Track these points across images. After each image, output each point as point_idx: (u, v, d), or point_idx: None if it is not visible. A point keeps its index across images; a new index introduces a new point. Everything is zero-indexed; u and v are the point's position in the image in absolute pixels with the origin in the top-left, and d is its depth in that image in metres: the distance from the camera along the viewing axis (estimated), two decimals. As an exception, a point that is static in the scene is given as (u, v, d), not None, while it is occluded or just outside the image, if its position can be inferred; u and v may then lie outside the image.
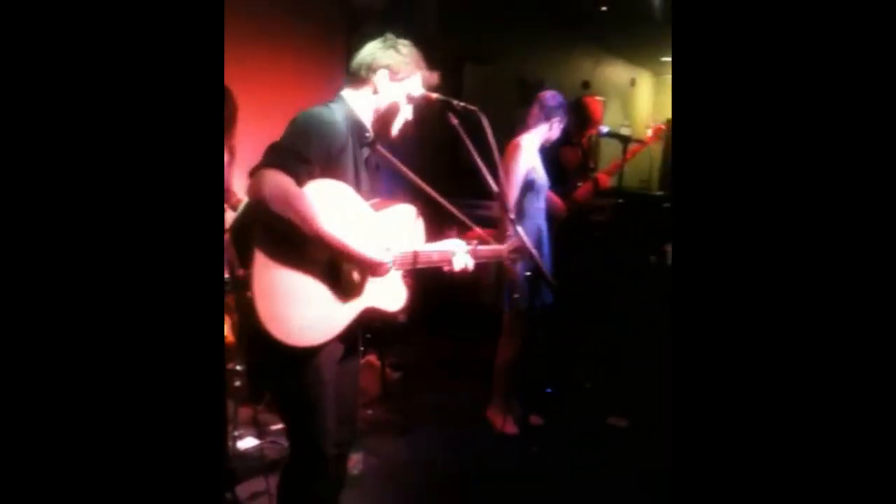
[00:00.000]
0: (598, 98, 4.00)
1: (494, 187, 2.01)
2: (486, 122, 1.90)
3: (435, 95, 1.84)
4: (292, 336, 1.55)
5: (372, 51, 1.80)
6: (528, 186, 3.06)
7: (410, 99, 1.81)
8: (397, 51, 1.79)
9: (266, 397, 3.06)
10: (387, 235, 1.77)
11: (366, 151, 1.79)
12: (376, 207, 1.78)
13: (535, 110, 3.14)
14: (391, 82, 1.77)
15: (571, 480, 2.81)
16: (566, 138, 3.47)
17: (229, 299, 3.00)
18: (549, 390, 3.60)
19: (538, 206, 3.12)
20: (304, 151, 1.55)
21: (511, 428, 3.18)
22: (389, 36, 1.82)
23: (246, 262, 1.54)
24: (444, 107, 1.85)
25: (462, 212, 3.60)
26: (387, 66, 1.76)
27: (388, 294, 1.79)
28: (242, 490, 2.50)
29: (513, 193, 3.01)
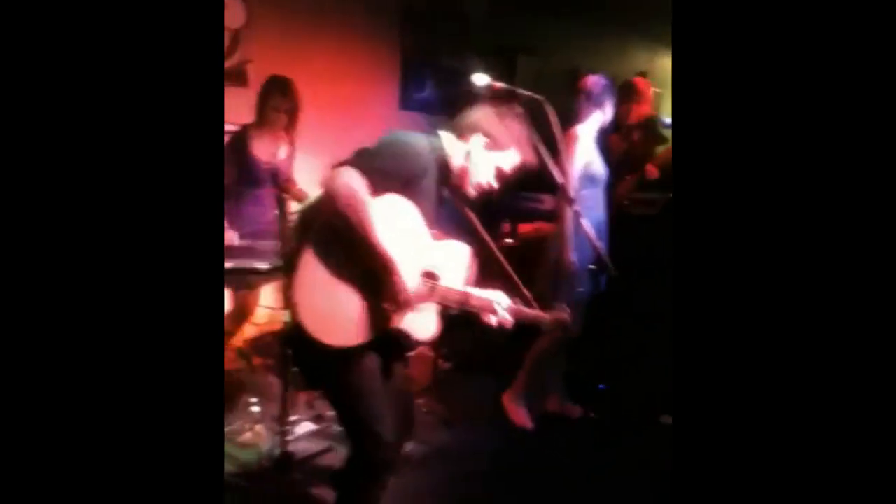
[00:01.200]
0: (649, 81, 3.89)
1: (560, 178, 2.00)
2: (551, 112, 1.90)
3: (499, 84, 1.84)
4: (323, 332, 1.58)
5: (480, 110, 1.82)
6: (586, 179, 2.98)
7: (500, 172, 1.82)
8: (501, 120, 1.80)
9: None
10: (437, 265, 1.79)
11: (445, 190, 1.83)
12: (435, 237, 1.81)
13: (582, 99, 3.03)
14: (484, 149, 1.79)
15: (615, 476, 2.78)
16: (615, 125, 3.36)
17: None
18: (601, 386, 3.57)
19: (596, 199, 3.06)
20: (386, 164, 1.62)
21: (527, 421, 3.16)
22: (508, 99, 1.83)
23: (298, 249, 1.59)
24: (508, 96, 1.85)
25: (518, 204, 3.55)
26: (485, 134, 1.78)
27: (420, 322, 1.77)
28: (298, 475, 2.57)
29: (571, 187, 2.91)
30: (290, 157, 3.21)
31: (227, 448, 2.70)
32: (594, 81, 3.03)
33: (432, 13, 4.64)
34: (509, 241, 4.30)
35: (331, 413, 3.02)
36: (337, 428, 2.91)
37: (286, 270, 1.63)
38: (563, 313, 1.94)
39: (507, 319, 1.83)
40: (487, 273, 1.96)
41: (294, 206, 3.00)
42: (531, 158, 1.85)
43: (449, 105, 4.89)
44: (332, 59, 4.09)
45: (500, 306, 1.82)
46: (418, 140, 1.73)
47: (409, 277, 1.67)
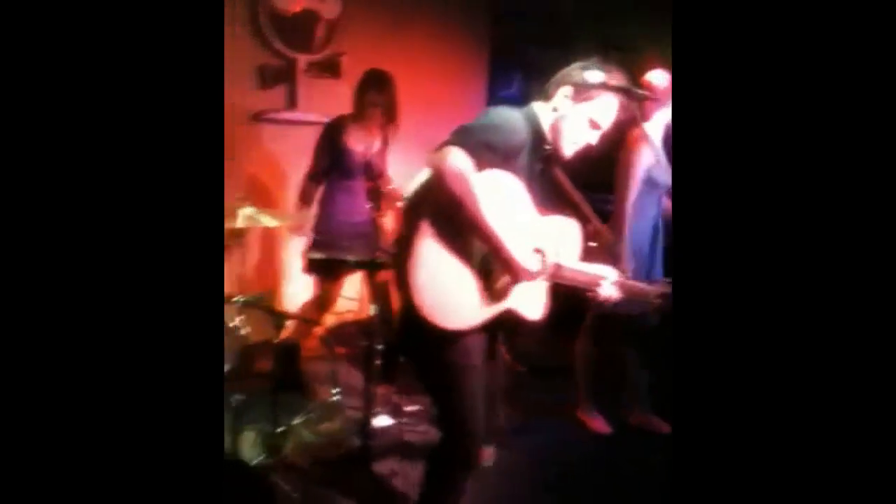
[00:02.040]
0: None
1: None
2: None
3: (614, 82, 1.76)
4: (439, 315, 1.58)
5: (569, 68, 1.77)
6: (648, 183, 2.73)
7: (594, 124, 1.74)
8: (589, 70, 1.73)
9: (399, 379, 3.15)
10: (544, 241, 1.79)
11: (539, 164, 1.79)
12: (541, 212, 1.79)
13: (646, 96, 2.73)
14: (572, 102, 1.73)
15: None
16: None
17: (381, 275, 3.12)
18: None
19: (657, 205, 2.81)
20: (488, 139, 1.59)
21: (604, 427, 3.07)
22: (602, 58, 1.77)
23: (410, 234, 1.58)
24: (623, 94, 1.77)
25: (587, 202, 3.40)
26: (571, 85, 1.73)
27: (531, 301, 1.79)
28: (377, 469, 2.57)
29: (632, 190, 2.70)
30: (384, 151, 3.21)
31: (306, 436, 2.74)
32: (657, 76, 2.76)
33: (523, 9, 4.55)
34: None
35: (409, 409, 3.05)
36: (414, 423, 2.91)
37: (399, 257, 1.62)
38: (666, 287, 1.89)
39: (615, 294, 1.83)
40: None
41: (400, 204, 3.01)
42: (626, 104, 1.76)
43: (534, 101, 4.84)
44: (421, 53, 4.07)
45: (608, 281, 1.82)
46: (514, 114, 1.70)
47: (520, 256, 1.66)
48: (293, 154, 3.71)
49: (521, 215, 1.71)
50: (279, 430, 2.47)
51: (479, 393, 1.73)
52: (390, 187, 3.14)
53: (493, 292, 1.68)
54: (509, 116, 1.68)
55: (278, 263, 3.79)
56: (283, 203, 3.77)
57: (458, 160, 1.51)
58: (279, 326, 2.27)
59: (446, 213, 1.57)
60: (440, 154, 1.54)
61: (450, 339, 1.65)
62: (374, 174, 3.21)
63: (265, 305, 2.11)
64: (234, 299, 2.05)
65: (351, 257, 2.62)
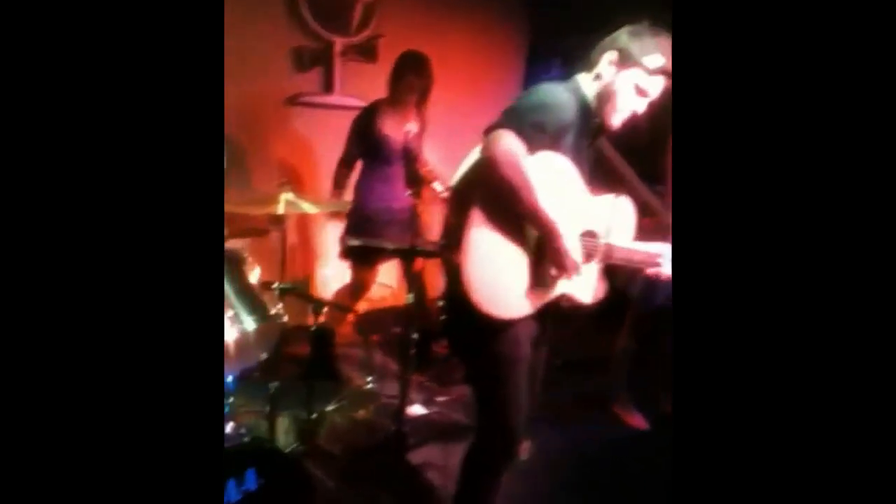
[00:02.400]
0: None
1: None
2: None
3: (662, 53, 1.64)
4: (491, 304, 1.54)
5: (615, 33, 1.67)
6: None
7: (640, 91, 1.64)
8: (633, 36, 1.63)
9: (433, 368, 3.11)
10: (597, 221, 1.73)
11: (587, 139, 1.72)
12: (592, 192, 1.72)
13: None
14: (615, 68, 1.64)
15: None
16: None
17: (417, 262, 3.07)
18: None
19: None
20: (538, 119, 1.52)
21: (642, 422, 3.00)
22: (645, 23, 1.67)
23: (461, 221, 1.53)
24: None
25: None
26: (616, 50, 1.63)
27: (585, 285, 1.75)
28: (411, 459, 2.53)
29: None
30: (420, 135, 3.15)
31: (339, 422, 2.71)
32: None
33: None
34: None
35: (442, 398, 3.00)
36: (449, 411, 2.87)
37: (448, 245, 1.57)
38: None
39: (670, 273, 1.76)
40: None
41: (437, 186, 2.96)
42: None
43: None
44: (460, 37, 3.99)
45: (665, 259, 1.75)
46: (561, 90, 1.61)
47: (573, 239, 1.61)
48: (327, 139, 3.65)
49: (573, 198, 1.66)
50: (312, 416, 2.44)
51: (523, 384, 1.69)
52: (427, 170, 3.08)
53: (545, 279, 1.62)
54: (557, 93, 1.59)
55: (313, 249, 3.77)
56: (314, 188, 3.74)
57: (511, 144, 1.45)
58: (317, 313, 2.23)
59: (499, 200, 1.51)
60: (491, 138, 1.47)
61: (500, 329, 1.61)
62: (411, 159, 3.15)
63: (303, 292, 2.07)
64: (274, 286, 2.00)
65: (389, 244, 2.57)
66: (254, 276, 1.94)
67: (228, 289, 1.83)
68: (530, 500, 2.38)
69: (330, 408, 2.72)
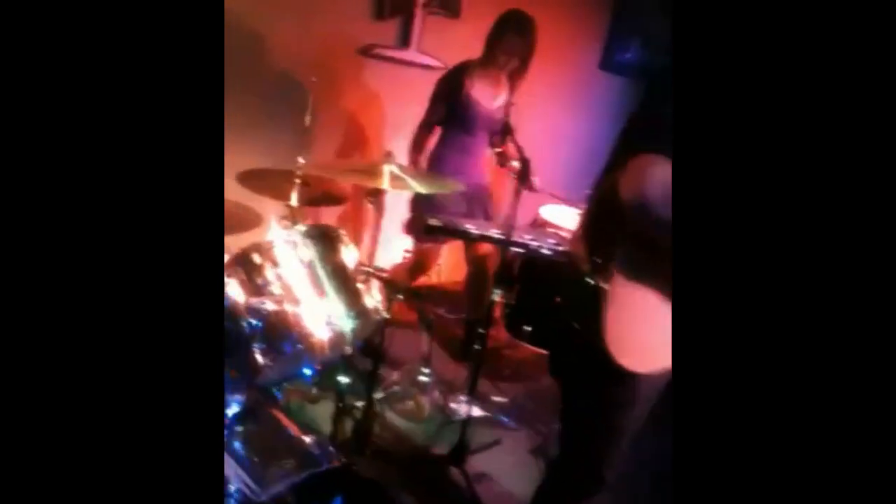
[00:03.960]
0: None
1: None
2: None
3: None
4: (626, 357, 1.36)
5: None
6: None
7: None
8: None
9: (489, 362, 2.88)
10: None
11: None
12: None
13: None
14: None
15: None
16: None
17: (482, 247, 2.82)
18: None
19: None
20: None
21: None
22: None
23: (603, 267, 1.32)
24: None
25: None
26: None
27: None
28: (466, 468, 2.31)
29: None
30: (508, 107, 2.83)
31: (387, 412, 2.50)
32: None
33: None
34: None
35: (498, 399, 2.78)
36: (507, 418, 2.65)
37: (584, 288, 1.34)
38: None
39: None
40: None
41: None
42: None
43: (650, 73, 4.41)
44: (546, 1, 3.63)
45: None
46: None
47: None
48: (397, 96, 3.38)
49: None
50: (359, 403, 2.21)
51: (628, 439, 1.52)
52: (510, 145, 2.79)
53: None
54: None
55: (366, 219, 3.49)
56: (375, 145, 3.45)
57: (668, 175, 1.13)
58: (391, 299, 1.97)
59: (649, 243, 1.26)
60: (643, 168, 1.19)
61: (630, 379, 1.40)
62: (497, 130, 2.85)
63: (385, 277, 1.80)
64: (364, 268, 1.72)
65: (473, 228, 2.29)
66: (349, 256, 1.67)
67: (322, 274, 1.56)
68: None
69: (379, 395, 2.50)
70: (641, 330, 1.36)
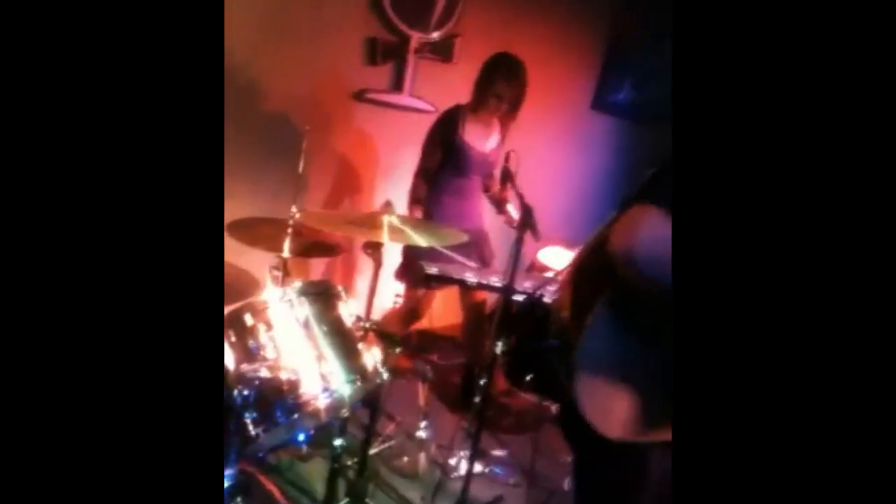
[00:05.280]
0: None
1: None
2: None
3: None
4: (607, 426, 1.24)
5: None
6: None
7: None
8: None
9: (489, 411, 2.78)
10: None
11: None
12: None
13: None
14: None
15: None
16: None
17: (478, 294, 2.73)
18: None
19: None
20: None
21: None
22: None
23: (581, 314, 1.23)
24: None
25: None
26: None
27: None
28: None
29: None
30: (498, 149, 2.80)
31: (383, 473, 2.38)
32: None
33: (650, 3, 4.09)
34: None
35: (498, 453, 2.67)
36: (505, 473, 2.54)
37: (562, 345, 1.27)
38: None
39: None
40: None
41: (510, 210, 2.63)
42: None
43: (642, 113, 4.42)
44: (533, 45, 3.63)
45: None
46: None
47: None
48: (390, 140, 3.35)
49: None
50: (352, 461, 2.10)
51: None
52: (498, 189, 2.74)
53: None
54: None
55: (354, 261, 3.42)
56: (367, 190, 3.40)
57: (662, 230, 1.05)
58: (391, 353, 1.88)
59: (633, 297, 1.18)
60: (634, 219, 1.13)
61: (623, 447, 1.28)
62: (490, 174, 2.81)
63: (382, 330, 1.72)
64: (362, 324, 1.64)
65: (472, 276, 2.22)
66: (346, 312, 1.59)
67: (319, 334, 1.48)
68: None
69: (373, 451, 2.39)
70: (620, 394, 1.25)
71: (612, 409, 1.25)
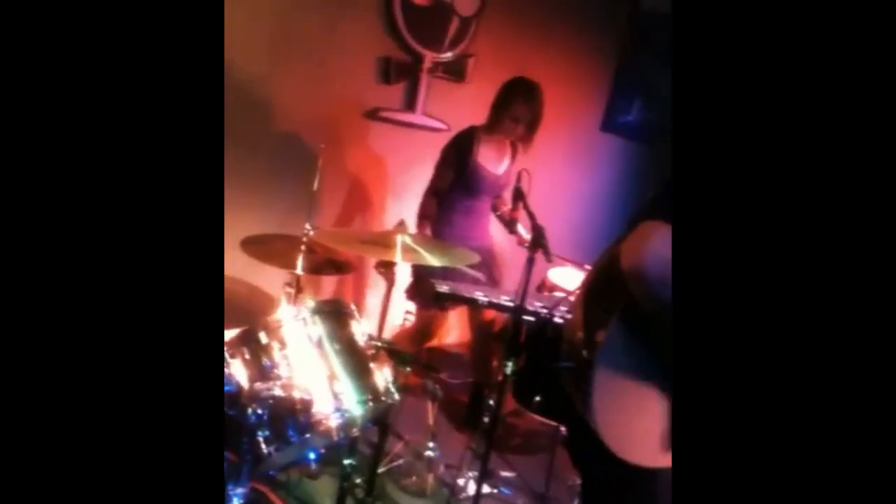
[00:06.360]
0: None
1: None
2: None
3: None
4: (626, 450, 1.26)
5: None
6: None
7: None
8: None
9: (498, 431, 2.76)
10: None
11: None
12: None
13: None
14: None
15: None
16: None
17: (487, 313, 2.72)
18: None
19: None
20: None
21: None
22: None
23: (592, 336, 1.24)
24: None
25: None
26: None
27: None
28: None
29: None
30: (510, 172, 2.82)
31: (388, 487, 2.37)
32: None
33: (659, 25, 4.12)
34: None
35: (506, 474, 2.66)
36: (512, 495, 2.52)
37: (577, 366, 1.26)
38: None
39: None
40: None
41: (520, 230, 2.63)
42: None
43: (651, 134, 4.43)
44: (549, 63, 3.67)
45: None
46: None
47: None
48: (401, 159, 3.37)
49: None
50: (361, 479, 2.08)
51: None
52: (507, 208, 2.74)
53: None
54: None
55: (364, 278, 3.43)
56: (379, 208, 3.42)
57: (668, 249, 1.04)
58: (401, 371, 1.88)
59: (642, 317, 1.19)
60: (642, 239, 1.15)
61: (636, 470, 1.29)
62: (499, 194, 2.82)
63: (394, 349, 1.72)
64: (374, 343, 1.64)
65: (483, 295, 2.23)
66: (359, 331, 1.59)
67: (332, 353, 1.48)
68: None
69: (381, 470, 2.38)
70: (635, 416, 1.26)
71: (631, 432, 1.26)
